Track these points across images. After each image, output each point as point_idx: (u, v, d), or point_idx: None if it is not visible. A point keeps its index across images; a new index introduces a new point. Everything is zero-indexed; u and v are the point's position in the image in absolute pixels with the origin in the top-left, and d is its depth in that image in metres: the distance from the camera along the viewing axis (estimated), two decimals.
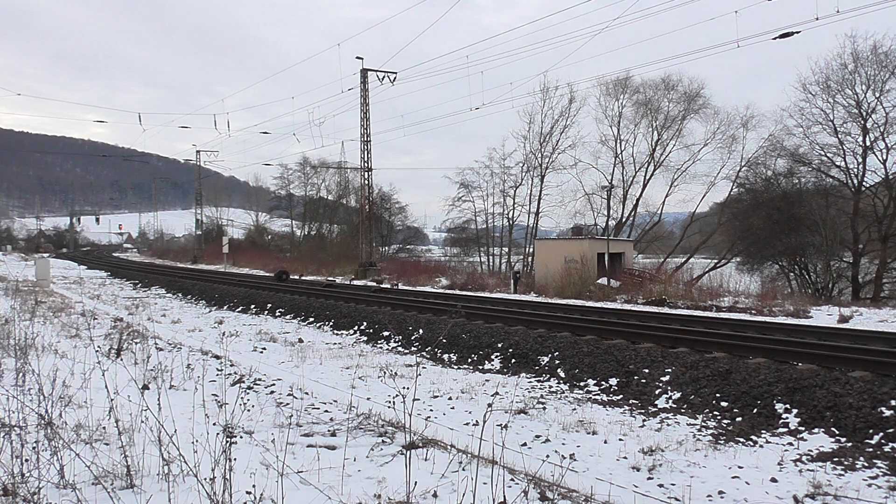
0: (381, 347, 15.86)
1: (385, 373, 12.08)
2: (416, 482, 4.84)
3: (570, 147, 47.88)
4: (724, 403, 9.50)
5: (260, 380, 10.58)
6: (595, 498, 5.52)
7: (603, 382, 11.20)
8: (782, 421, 8.71)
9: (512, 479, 5.54)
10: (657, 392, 10.36)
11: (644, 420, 9.18)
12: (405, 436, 6.78)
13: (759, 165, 41.55)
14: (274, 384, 10.30)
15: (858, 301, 28.99)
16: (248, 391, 9.42)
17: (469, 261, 55.27)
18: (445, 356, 14.37)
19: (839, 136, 35.06)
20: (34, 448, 4.69)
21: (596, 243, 29.75)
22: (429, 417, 8.81)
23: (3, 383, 7.96)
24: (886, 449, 7.54)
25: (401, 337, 16.37)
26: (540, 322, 15.35)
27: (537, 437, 8.12)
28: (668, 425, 8.90)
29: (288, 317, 21.71)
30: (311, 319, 20.52)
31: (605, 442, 8.00)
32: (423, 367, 13.05)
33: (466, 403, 9.97)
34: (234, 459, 4.28)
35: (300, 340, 16.41)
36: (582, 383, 11.40)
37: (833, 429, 8.25)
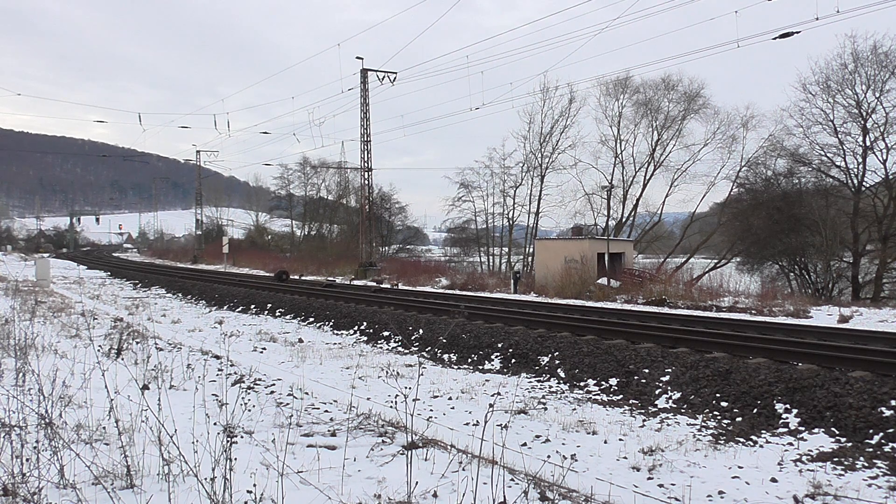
0: (381, 347, 15.86)
1: (386, 372, 12.09)
2: (416, 482, 4.84)
3: (570, 147, 47.95)
4: (724, 403, 9.50)
5: (260, 380, 10.57)
6: (595, 498, 5.52)
7: (603, 382, 11.20)
8: (782, 421, 8.71)
9: (512, 480, 5.53)
10: (657, 392, 10.36)
11: (644, 420, 9.18)
12: (406, 436, 6.78)
13: (759, 165, 41.58)
14: (274, 384, 10.30)
15: (858, 301, 28.98)
16: (248, 391, 9.42)
17: (469, 261, 55.27)
18: (445, 356, 14.37)
19: (839, 136, 35.09)
20: (34, 448, 4.69)
21: (596, 243, 29.75)
22: (429, 417, 8.80)
23: (3, 383, 7.95)
24: (886, 449, 7.54)
25: (401, 337, 16.37)
26: (540, 322, 15.34)
27: (537, 437, 8.12)
28: (668, 425, 8.90)
29: (288, 317, 21.71)
30: (311, 319, 20.52)
31: (606, 442, 8.00)
32: (423, 367, 13.05)
33: (466, 403, 9.96)
34: (235, 459, 4.28)
35: (300, 340, 16.41)
36: (582, 383, 11.40)
37: (833, 429, 8.25)
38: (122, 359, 11.14)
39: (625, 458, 7.33)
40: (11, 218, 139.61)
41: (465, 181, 53.70)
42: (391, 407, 7.13)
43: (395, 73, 39.92)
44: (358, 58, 39.60)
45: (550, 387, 11.39)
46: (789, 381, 9.39)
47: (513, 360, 13.22)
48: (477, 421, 8.67)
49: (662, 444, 7.81)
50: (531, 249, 45.51)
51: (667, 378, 10.59)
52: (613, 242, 31.43)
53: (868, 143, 34.27)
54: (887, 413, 8.12)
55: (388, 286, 31.18)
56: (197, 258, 67.50)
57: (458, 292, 28.64)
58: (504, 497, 4.59)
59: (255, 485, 4.44)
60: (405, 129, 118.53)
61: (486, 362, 13.53)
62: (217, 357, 12.50)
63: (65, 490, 4.59)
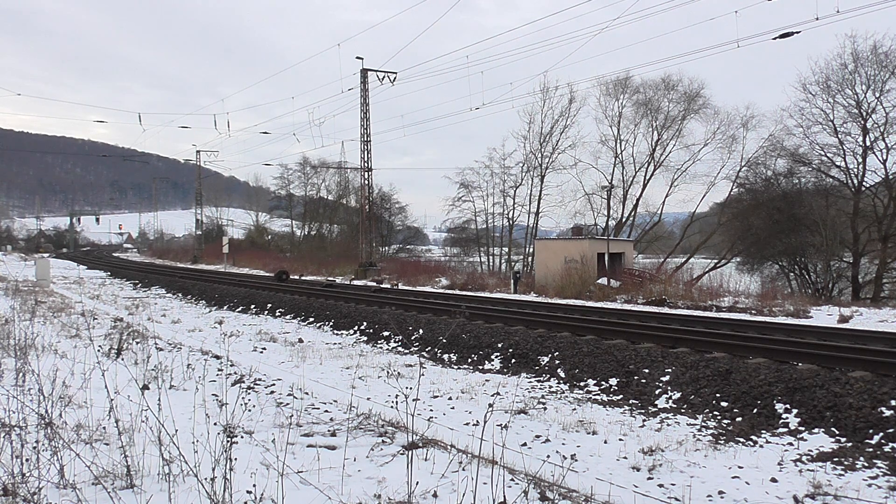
0: (381, 347, 15.86)
1: (386, 372, 12.09)
2: (416, 482, 4.83)
3: (570, 147, 47.96)
4: (724, 403, 9.50)
5: (260, 380, 10.57)
6: (595, 498, 5.52)
7: (603, 382, 11.20)
8: (782, 421, 8.71)
9: (512, 479, 5.53)
10: (657, 392, 10.36)
11: (644, 420, 9.18)
12: (407, 436, 6.78)
13: (759, 165, 41.58)
14: (274, 384, 10.30)
15: (858, 301, 28.98)
16: (248, 391, 9.42)
17: (469, 261, 55.25)
18: (445, 356, 14.37)
19: (839, 136, 35.10)
20: (34, 448, 4.69)
21: (596, 243, 29.74)
22: (429, 417, 8.80)
23: (3, 383, 7.95)
24: (886, 449, 7.54)
25: (401, 337, 16.37)
26: (540, 322, 15.34)
27: (537, 437, 8.12)
28: (668, 425, 8.90)
29: (288, 317, 21.71)
30: (311, 319, 20.52)
31: (606, 442, 8.00)
32: (424, 367, 13.05)
33: (466, 403, 9.96)
34: (235, 459, 4.28)
35: (300, 340, 16.41)
36: (582, 383, 11.40)
37: (833, 429, 8.25)
38: (122, 359, 11.14)
39: (625, 458, 7.33)
40: (11, 218, 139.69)
41: (465, 181, 53.77)
42: (391, 407, 7.13)
43: (395, 73, 40.00)
44: (358, 58, 39.64)
45: (550, 387, 11.39)
46: (789, 381, 9.39)
47: (513, 360, 13.21)
48: (477, 421, 8.67)
49: (662, 444, 7.81)
50: (531, 249, 45.51)
51: (667, 378, 10.59)
52: (613, 242, 31.43)
53: (868, 143, 34.30)
54: (887, 413, 8.12)
55: (388, 286, 31.18)
56: (197, 258, 67.52)
57: (458, 292, 28.64)
58: (504, 497, 4.59)
59: (255, 485, 4.44)
60: (405, 129, 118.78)
61: (486, 362, 13.53)
62: (217, 357, 12.50)
63: (65, 490, 4.59)
